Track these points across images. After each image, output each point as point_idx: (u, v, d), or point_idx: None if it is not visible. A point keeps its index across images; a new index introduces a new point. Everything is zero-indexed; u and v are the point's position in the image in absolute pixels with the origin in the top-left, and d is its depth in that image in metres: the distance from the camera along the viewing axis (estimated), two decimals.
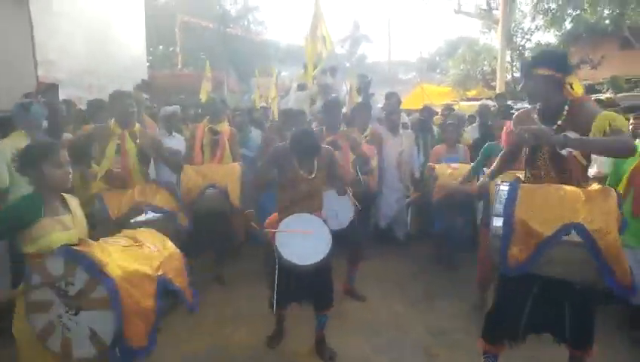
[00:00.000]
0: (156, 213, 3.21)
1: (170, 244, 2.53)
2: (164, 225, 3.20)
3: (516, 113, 2.74)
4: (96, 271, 2.01)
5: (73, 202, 2.36)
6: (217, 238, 4.39)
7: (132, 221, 3.05)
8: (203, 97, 8.26)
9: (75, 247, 2.10)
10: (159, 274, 2.24)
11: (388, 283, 4.71)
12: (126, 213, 3.15)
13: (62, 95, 5.33)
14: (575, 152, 2.37)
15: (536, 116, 2.54)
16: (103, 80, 8.87)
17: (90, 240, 2.24)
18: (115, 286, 2.01)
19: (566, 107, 2.43)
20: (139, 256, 2.25)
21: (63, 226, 2.22)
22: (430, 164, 5.05)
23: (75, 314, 2.03)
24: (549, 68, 2.41)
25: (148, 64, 13.88)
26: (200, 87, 8.73)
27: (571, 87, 2.42)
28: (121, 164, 3.38)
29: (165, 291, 2.26)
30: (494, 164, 3.00)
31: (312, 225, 3.12)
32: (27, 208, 2.16)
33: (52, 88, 5.27)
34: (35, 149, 2.22)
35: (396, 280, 4.78)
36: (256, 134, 5.94)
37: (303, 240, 3.04)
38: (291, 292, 3.21)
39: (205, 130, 4.32)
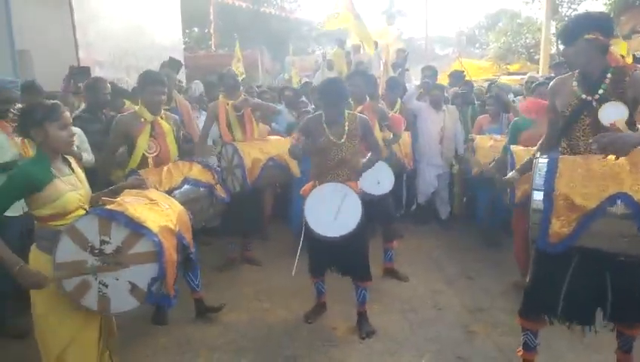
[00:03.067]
0: (194, 185, 3.24)
1: (175, 202, 2.60)
2: (204, 197, 3.30)
3: (553, 81, 2.56)
4: (139, 227, 2.08)
5: (72, 161, 2.34)
6: (252, 217, 4.39)
7: (171, 194, 3.07)
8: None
9: (108, 207, 2.15)
10: (177, 230, 2.35)
11: (426, 261, 4.64)
12: (168, 187, 3.16)
13: (101, 76, 5.41)
14: (619, 123, 2.18)
15: (575, 84, 2.37)
16: (142, 61, 9.04)
17: (112, 199, 2.28)
18: (161, 241, 2.10)
19: (608, 75, 2.26)
20: (160, 213, 2.33)
21: (73, 186, 2.21)
22: (471, 135, 4.89)
23: (113, 270, 2.08)
24: (593, 31, 2.23)
25: (184, 46, 14.04)
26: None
27: (622, 57, 2.25)
28: (161, 146, 3.30)
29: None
30: (543, 141, 2.71)
31: (343, 195, 3.09)
32: (38, 169, 2.12)
33: (84, 71, 5.38)
34: (39, 109, 2.14)
35: (434, 258, 4.71)
36: (284, 111, 5.94)
37: (333, 211, 3.02)
38: (324, 259, 3.23)
39: (228, 108, 4.22)
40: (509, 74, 13.52)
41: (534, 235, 2.24)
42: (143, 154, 3.25)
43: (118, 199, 2.30)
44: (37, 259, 2.14)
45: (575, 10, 15.33)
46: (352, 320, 3.41)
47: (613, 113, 2.22)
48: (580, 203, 2.08)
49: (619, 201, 2.04)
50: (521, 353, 2.66)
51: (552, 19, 13.59)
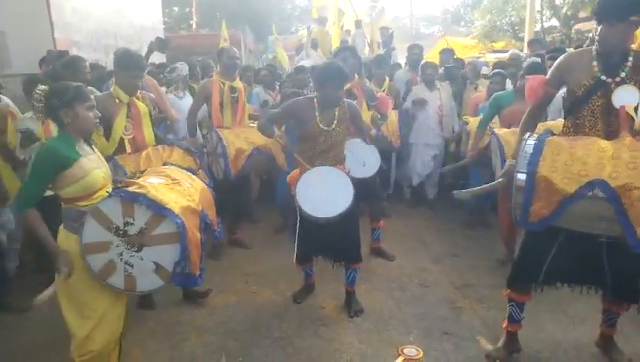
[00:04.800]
0: None
1: (197, 179, 2.64)
2: None
3: (565, 56, 2.50)
4: (161, 209, 2.11)
5: (94, 143, 2.39)
6: (238, 202, 4.33)
7: None
8: None
9: (130, 188, 2.18)
10: (200, 208, 2.39)
11: (412, 241, 4.68)
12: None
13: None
14: (628, 108, 2.22)
15: (595, 63, 2.33)
16: (121, 42, 8.81)
17: (134, 180, 2.31)
18: (184, 222, 2.14)
19: (630, 58, 2.27)
20: (183, 192, 2.36)
21: (97, 164, 2.26)
22: (465, 116, 4.87)
23: (138, 250, 2.14)
24: (638, 13, 2.19)
25: (164, 26, 13.72)
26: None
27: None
28: (135, 129, 3.21)
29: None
30: (522, 124, 2.72)
31: (333, 177, 3.08)
32: (64, 146, 2.15)
33: (62, 56, 5.21)
34: (69, 89, 2.18)
35: (421, 238, 4.74)
36: (258, 91, 5.88)
37: (324, 193, 3.01)
38: (314, 245, 3.21)
39: (225, 88, 4.12)
40: (494, 52, 13.52)
41: (517, 214, 2.29)
42: (121, 137, 3.16)
43: (140, 180, 2.32)
44: (66, 240, 2.18)
45: None
46: (340, 298, 3.43)
47: (626, 97, 2.24)
48: (560, 187, 2.14)
49: (597, 187, 2.09)
50: (505, 324, 2.72)
51: None
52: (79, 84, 2.28)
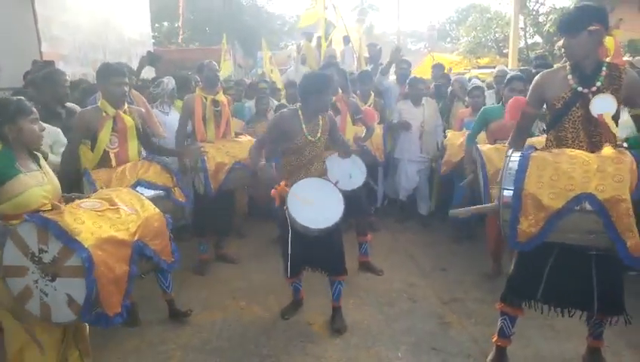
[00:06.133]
0: (149, 188, 3.05)
1: (148, 204, 2.49)
2: (159, 200, 3.01)
3: (540, 75, 2.55)
4: (70, 240, 2.00)
5: (41, 159, 2.33)
6: (222, 217, 4.27)
7: None
8: (225, 71, 8.08)
9: (46, 214, 2.08)
10: (135, 239, 2.25)
11: (400, 255, 4.67)
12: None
13: (66, 71, 5.22)
14: (606, 116, 2.26)
15: (570, 76, 2.40)
16: (109, 56, 8.77)
17: (61, 205, 2.21)
18: (90, 256, 2.00)
19: (604, 68, 2.34)
20: (115, 220, 2.23)
21: (39, 182, 2.20)
22: (449, 131, 4.91)
23: (52, 280, 2.04)
24: (596, 23, 2.29)
25: (153, 40, 13.73)
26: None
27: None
28: (119, 142, 3.19)
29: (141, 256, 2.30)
30: (509, 144, 2.69)
31: (324, 189, 3.08)
32: (0, 161, 2.11)
33: (48, 66, 5.18)
34: (10, 104, 2.16)
35: (409, 252, 4.74)
36: (250, 105, 5.88)
37: (316, 204, 2.99)
38: (302, 257, 3.20)
39: (207, 102, 4.09)
40: (480, 68, 13.77)
41: (505, 232, 2.30)
42: (105, 150, 3.14)
43: (67, 206, 2.22)
44: None
45: (542, 4, 15.67)
46: (328, 314, 3.39)
47: (603, 105, 2.29)
48: (547, 203, 2.15)
49: (584, 201, 2.11)
50: (495, 338, 2.71)
51: (520, 14, 13.88)
52: (20, 97, 2.24)
